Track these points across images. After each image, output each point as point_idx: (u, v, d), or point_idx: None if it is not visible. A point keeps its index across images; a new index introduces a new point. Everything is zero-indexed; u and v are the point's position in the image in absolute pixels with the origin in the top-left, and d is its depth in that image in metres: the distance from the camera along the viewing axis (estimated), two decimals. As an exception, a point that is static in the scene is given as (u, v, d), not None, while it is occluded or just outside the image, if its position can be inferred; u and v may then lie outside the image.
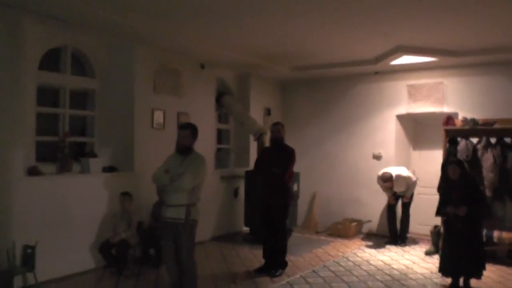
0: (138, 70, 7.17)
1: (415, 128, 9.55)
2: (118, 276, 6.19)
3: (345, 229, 9.11)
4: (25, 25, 5.75)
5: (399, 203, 8.57)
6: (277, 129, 6.70)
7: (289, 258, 6.96)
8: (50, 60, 6.52)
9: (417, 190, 8.79)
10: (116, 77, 7.19)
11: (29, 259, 5.58)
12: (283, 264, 6.60)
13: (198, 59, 8.21)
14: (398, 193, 8.42)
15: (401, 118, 9.25)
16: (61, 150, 6.49)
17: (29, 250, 5.60)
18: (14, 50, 5.63)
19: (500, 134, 7.38)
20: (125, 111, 7.15)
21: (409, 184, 8.29)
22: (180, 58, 7.87)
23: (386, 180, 8.21)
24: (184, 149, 5.13)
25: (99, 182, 6.64)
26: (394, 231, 8.54)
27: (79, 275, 6.25)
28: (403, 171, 8.33)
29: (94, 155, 6.91)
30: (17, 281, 5.55)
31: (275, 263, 6.52)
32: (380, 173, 8.37)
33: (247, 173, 8.87)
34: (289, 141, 8.22)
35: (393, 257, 7.57)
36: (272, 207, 6.50)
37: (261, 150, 7.20)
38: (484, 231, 6.49)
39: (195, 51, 7.83)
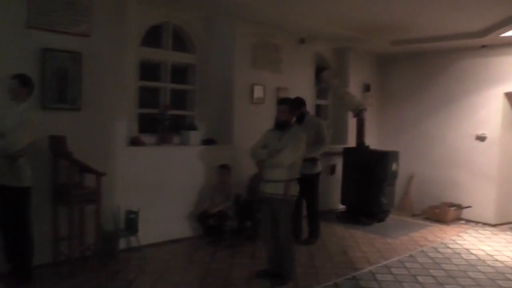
0: (238, 45, 7.23)
1: (526, 108, 8.82)
2: (215, 246, 6.35)
3: (443, 213, 8.67)
4: (129, 4, 5.93)
5: None
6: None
7: (386, 240, 6.90)
8: (152, 37, 6.74)
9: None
10: (216, 52, 7.30)
11: (132, 223, 5.86)
12: None
13: (296, 34, 8.11)
14: None
15: (510, 96, 8.55)
16: (162, 122, 6.71)
17: (132, 215, 5.87)
18: (118, 28, 5.79)
19: None
20: (224, 86, 7.26)
21: None
22: (279, 33, 7.79)
23: None
24: (282, 124, 5.10)
25: (198, 154, 6.80)
26: None
27: (177, 242, 6.48)
28: None
29: (194, 128, 7.07)
30: (121, 243, 5.86)
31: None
32: None
33: (345, 150, 8.73)
34: (387, 118, 7.94)
35: (496, 248, 7.09)
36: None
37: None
38: None
39: (294, 26, 7.69)
